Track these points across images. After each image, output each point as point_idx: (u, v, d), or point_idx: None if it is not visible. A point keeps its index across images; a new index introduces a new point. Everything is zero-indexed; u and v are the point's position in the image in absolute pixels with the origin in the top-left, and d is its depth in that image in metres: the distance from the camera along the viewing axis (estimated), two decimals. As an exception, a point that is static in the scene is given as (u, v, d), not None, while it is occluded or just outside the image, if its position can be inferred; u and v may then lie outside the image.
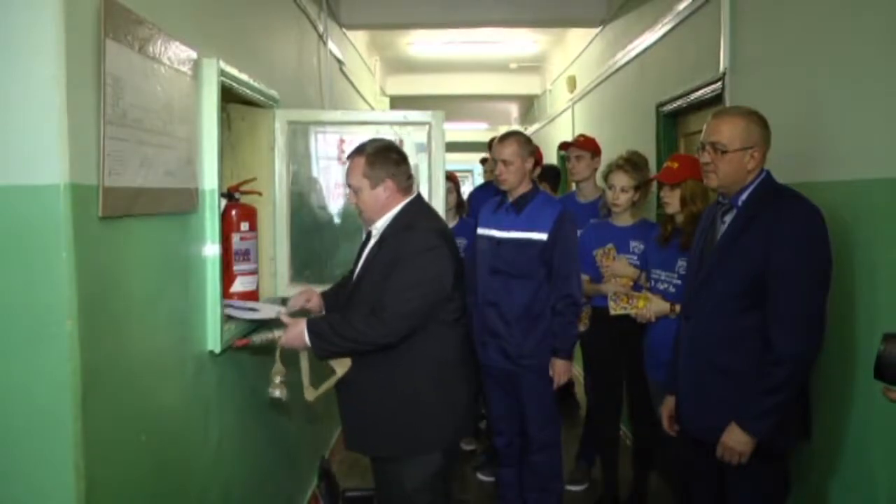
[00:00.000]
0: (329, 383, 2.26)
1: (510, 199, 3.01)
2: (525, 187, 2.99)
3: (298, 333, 2.15)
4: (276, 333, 2.25)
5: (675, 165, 2.80)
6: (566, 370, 2.95)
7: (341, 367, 2.21)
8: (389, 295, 2.10)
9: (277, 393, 2.28)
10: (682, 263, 2.74)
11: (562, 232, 2.91)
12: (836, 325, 2.08)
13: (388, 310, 2.09)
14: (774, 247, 1.97)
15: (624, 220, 3.26)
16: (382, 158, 2.22)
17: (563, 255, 2.91)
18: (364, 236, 2.51)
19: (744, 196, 2.10)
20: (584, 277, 3.20)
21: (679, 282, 2.74)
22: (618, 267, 3.11)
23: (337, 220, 3.05)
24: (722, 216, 2.16)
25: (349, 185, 2.27)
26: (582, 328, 3.36)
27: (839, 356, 2.11)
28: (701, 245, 2.24)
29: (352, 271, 2.40)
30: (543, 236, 2.90)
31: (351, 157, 2.27)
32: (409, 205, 2.27)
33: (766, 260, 1.98)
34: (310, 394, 2.29)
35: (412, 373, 2.18)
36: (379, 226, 2.26)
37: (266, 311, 2.44)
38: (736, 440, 2.01)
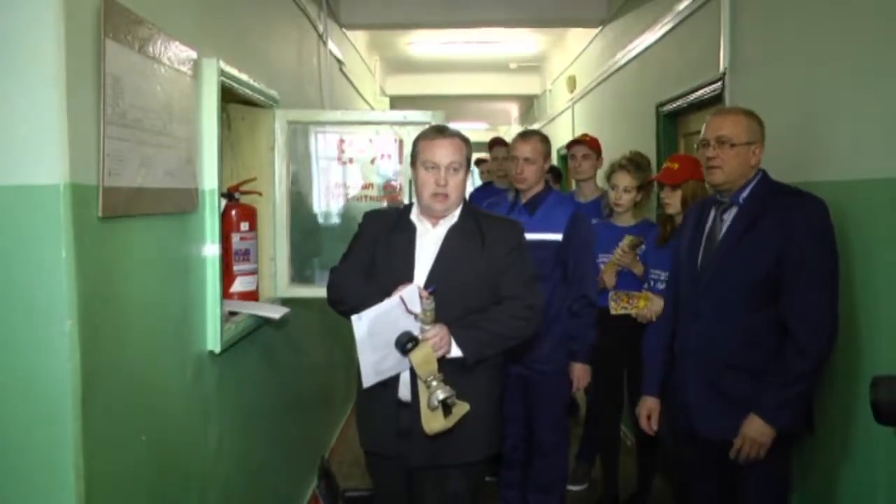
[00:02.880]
0: (460, 414, 1.99)
1: (523, 200, 2.95)
2: (539, 187, 2.95)
3: (447, 336, 1.96)
4: (422, 328, 1.95)
5: (676, 166, 2.80)
6: (586, 374, 2.92)
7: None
8: (530, 285, 2.11)
9: (442, 394, 1.92)
10: None
11: (576, 231, 2.86)
12: (843, 317, 2.05)
13: (537, 298, 2.11)
14: (787, 239, 1.99)
15: (626, 220, 3.25)
16: (470, 145, 2.16)
17: (579, 255, 2.86)
18: (367, 224, 2.25)
19: (745, 193, 2.11)
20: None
21: None
22: (631, 260, 3.09)
23: (337, 221, 3.05)
24: (721, 214, 2.16)
25: (448, 166, 2.05)
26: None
27: (843, 350, 2.09)
28: (696, 244, 2.21)
29: (386, 262, 2.13)
30: (558, 236, 2.85)
31: (445, 136, 2.09)
32: (465, 200, 2.22)
33: (777, 254, 2.00)
34: (436, 423, 1.97)
35: (491, 378, 2.15)
36: (456, 215, 2.13)
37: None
38: (757, 431, 2.01)
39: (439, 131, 2.12)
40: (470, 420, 2.02)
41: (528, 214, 2.90)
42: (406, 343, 1.92)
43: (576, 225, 2.87)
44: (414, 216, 2.17)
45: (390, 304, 1.94)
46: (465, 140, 2.14)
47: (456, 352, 1.98)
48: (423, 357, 1.93)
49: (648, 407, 2.40)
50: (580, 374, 2.91)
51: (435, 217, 2.12)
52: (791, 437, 2.12)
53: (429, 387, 1.93)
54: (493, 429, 2.19)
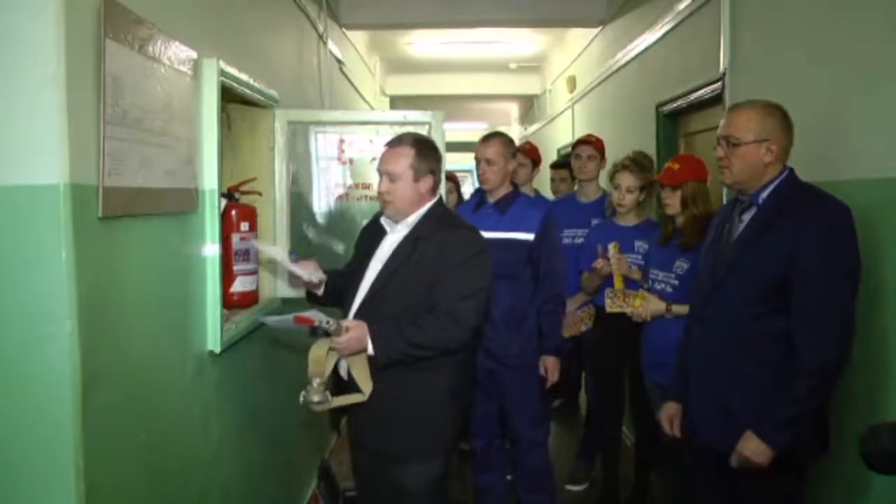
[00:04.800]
0: (349, 400, 2.12)
1: (491, 200, 3.00)
2: (506, 188, 3.00)
3: (360, 338, 2.02)
4: (331, 324, 1.99)
5: (676, 167, 2.80)
6: (558, 367, 2.97)
7: (367, 386, 2.09)
8: (462, 300, 2.06)
9: (317, 398, 2.05)
10: (679, 263, 2.74)
11: (549, 232, 2.94)
12: (864, 329, 1.95)
13: (464, 314, 2.06)
14: (799, 245, 1.87)
15: (629, 219, 3.26)
16: (429, 152, 2.19)
17: (550, 255, 2.94)
18: (362, 228, 2.41)
19: (765, 193, 2.00)
20: (587, 275, 3.23)
21: (676, 282, 2.74)
22: (624, 265, 3.11)
23: (337, 221, 3.05)
24: (740, 214, 2.07)
25: (386, 172, 2.16)
26: (584, 328, 3.37)
27: (866, 362, 1.98)
28: (716, 244, 2.14)
29: (358, 262, 2.30)
30: (530, 237, 2.91)
31: (394, 144, 2.20)
32: (439, 205, 2.24)
33: (789, 259, 1.88)
34: (322, 401, 2.08)
35: (445, 375, 2.15)
36: (410, 221, 2.19)
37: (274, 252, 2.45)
38: (752, 450, 1.90)
39: (393, 139, 2.23)
40: (402, 417, 2.11)
41: (500, 214, 2.96)
42: (317, 331, 2.03)
43: (548, 226, 2.93)
44: (384, 220, 2.27)
45: (286, 319, 2.05)
46: (417, 147, 2.16)
47: (370, 350, 2.03)
48: (315, 357, 2.05)
49: (670, 413, 2.30)
50: (552, 366, 2.96)
51: (393, 221, 2.22)
52: (802, 465, 2.01)
53: (308, 384, 2.06)
54: (438, 427, 2.17)
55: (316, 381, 2.05)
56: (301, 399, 2.07)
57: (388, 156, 2.19)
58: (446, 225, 2.20)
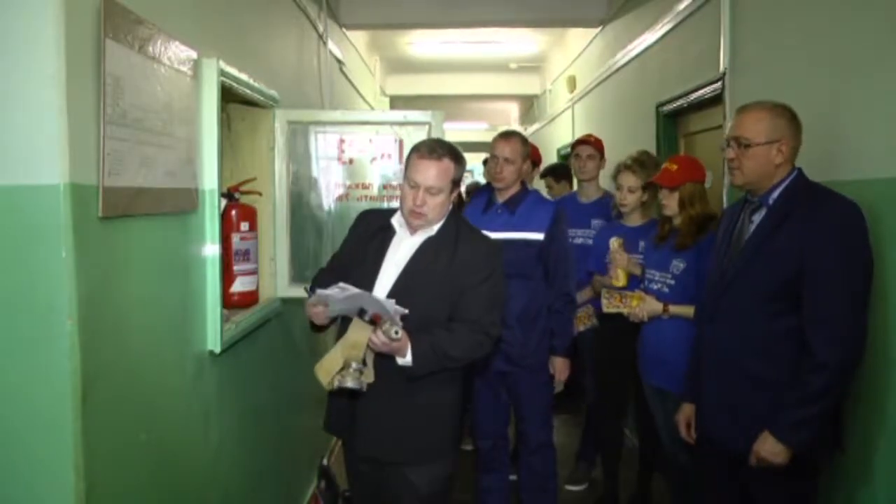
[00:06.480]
0: (369, 377, 2.02)
1: (501, 200, 2.98)
2: (517, 187, 2.99)
3: (405, 346, 1.95)
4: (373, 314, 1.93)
5: (674, 168, 2.80)
6: (567, 367, 2.98)
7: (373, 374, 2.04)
8: (489, 313, 2.08)
9: (353, 384, 1.95)
10: (675, 263, 2.74)
11: (558, 231, 2.93)
12: (868, 328, 1.93)
13: (494, 327, 2.09)
14: (810, 244, 1.88)
15: (634, 220, 3.26)
16: (462, 161, 2.14)
17: (560, 254, 2.93)
18: (356, 223, 2.30)
19: (775, 194, 2.00)
20: (598, 277, 3.23)
21: (672, 282, 2.74)
22: (628, 262, 3.11)
23: (337, 221, 3.05)
24: (750, 215, 2.08)
25: (428, 187, 2.05)
26: (582, 328, 3.36)
27: (870, 361, 1.97)
28: (725, 245, 2.15)
29: (359, 260, 2.18)
30: (541, 236, 2.90)
31: (431, 156, 2.06)
32: (453, 209, 2.21)
33: (800, 259, 1.88)
34: (366, 377, 2.00)
35: (455, 383, 2.17)
36: (435, 228, 2.14)
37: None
38: (769, 451, 1.91)
39: (431, 150, 2.09)
40: (411, 424, 2.08)
41: (509, 214, 2.95)
42: (362, 315, 1.95)
43: (558, 224, 2.92)
44: (396, 220, 2.19)
45: (351, 295, 1.93)
46: (455, 159, 2.11)
47: (405, 361, 1.97)
48: (356, 342, 1.95)
49: (686, 415, 2.30)
50: (561, 366, 2.97)
51: (413, 227, 2.14)
52: (816, 467, 2.01)
53: (343, 367, 1.96)
54: (447, 430, 2.17)
55: (353, 366, 1.97)
56: (335, 383, 1.97)
57: (431, 170, 2.05)
58: (467, 233, 2.18)
